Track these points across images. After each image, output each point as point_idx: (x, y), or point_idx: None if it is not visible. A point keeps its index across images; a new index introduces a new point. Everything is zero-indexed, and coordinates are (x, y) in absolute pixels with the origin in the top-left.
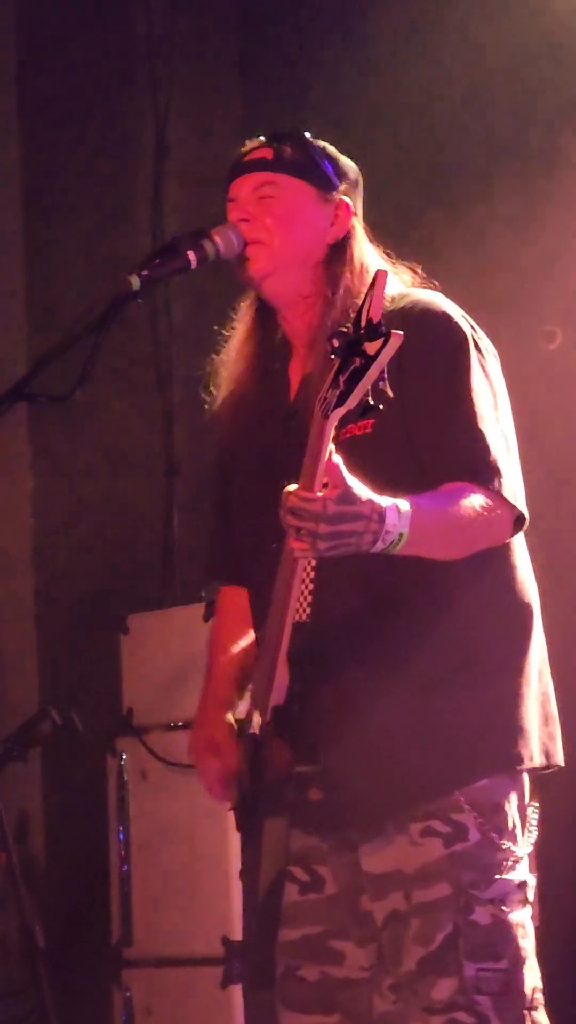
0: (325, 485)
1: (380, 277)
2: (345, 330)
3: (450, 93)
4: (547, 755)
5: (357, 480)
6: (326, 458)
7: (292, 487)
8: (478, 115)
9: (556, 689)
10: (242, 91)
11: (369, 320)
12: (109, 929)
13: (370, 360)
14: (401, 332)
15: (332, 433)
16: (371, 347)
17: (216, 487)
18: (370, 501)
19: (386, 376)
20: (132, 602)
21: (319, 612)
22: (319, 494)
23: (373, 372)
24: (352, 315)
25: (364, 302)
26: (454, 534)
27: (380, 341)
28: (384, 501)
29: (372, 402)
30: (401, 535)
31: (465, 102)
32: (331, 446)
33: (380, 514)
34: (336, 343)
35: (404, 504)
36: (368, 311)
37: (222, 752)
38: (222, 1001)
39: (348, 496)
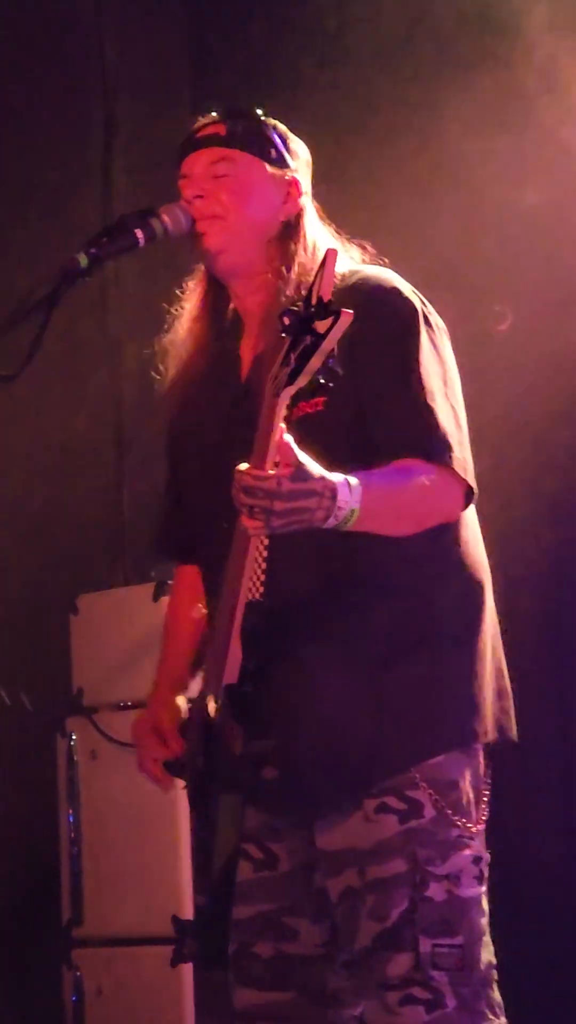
0: (276, 463)
1: (330, 255)
2: (296, 308)
3: (405, 55)
4: (501, 730)
5: (309, 457)
6: (277, 436)
7: (244, 466)
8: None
9: (507, 664)
10: (191, 66)
11: (319, 298)
12: (59, 909)
13: (320, 338)
14: (351, 311)
15: (283, 411)
16: (321, 325)
17: (167, 466)
18: (322, 478)
19: (336, 354)
20: (81, 582)
21: (272, 590)
22: (271, 472)
23: (323, 350)
24: (304, 293)
25: (315, 280)
26: (405, 509)
27: (330, 319)
28: (335, 477)
29: (323, 380)
30: (353, 511)
31: (422, 67)
32: (282, 424)
33: (332, 490)
34: (287, 321)
35: (354, 480)
36: (318, 289)
37: (166, 737)
38: (172, 980)
39: (301, 473)
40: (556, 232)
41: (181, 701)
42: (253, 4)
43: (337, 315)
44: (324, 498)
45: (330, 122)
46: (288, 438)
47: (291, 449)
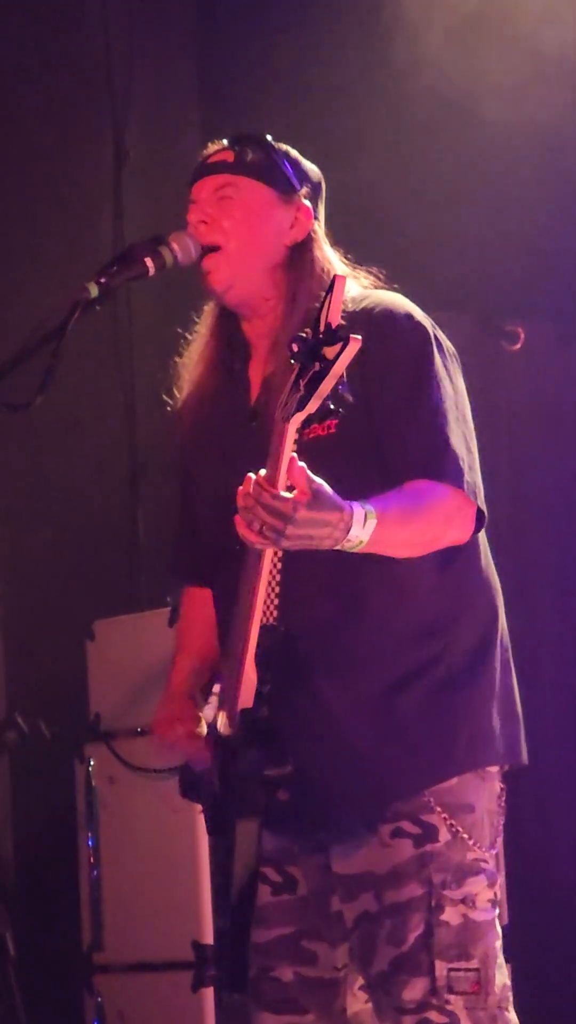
0: (289, 488)
1: (338, 282)
2: (305, 335)
3: (416, 84)
4: (512, 754)
5: (325, 485)
6: (287, 463)
7: (263, 472)
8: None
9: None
10: (200, 95)
11: (328, 324)
12: (80, 935)
13: (329, 364)
14: (359, 336)
15: (293, 437)
16: (330, 351)
17: (179, 489)
18: (339, 512)
19: (345, 380)
20: (98, 608)
21: (286, 614)
22: (288, 495)
23: (332, 377)
24: (312, 317)
25: (323, 306)
26: (416, 536)
27: (339, 345)
28: (354, 512)
29: (332, 406)
30: (360, 542)
31: (435, 95)
32: (293, 451)
33: (347, 526)
34: (296, 348)
35: (372, 513)
36: (327, 315)
37: (186, 722)
38: (193, 1005)
39: (318, 502)
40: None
41: (201, 719)
42: (263, 30)
43: (346, 341)
44: (336, 530)
45: (341, 146)
46: (301, 464)
47: (306, 476)
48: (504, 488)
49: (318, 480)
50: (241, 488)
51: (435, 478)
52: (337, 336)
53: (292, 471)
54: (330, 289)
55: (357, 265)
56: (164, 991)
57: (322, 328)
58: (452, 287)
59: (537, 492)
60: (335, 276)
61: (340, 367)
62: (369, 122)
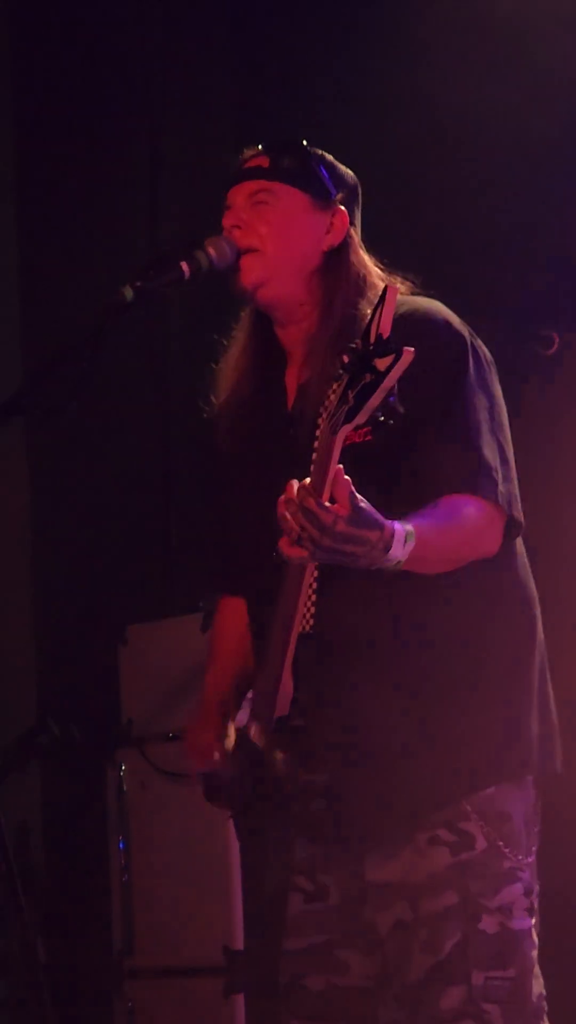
0: (332, 500)
1: (390, 293)
2: (355, 345)
3: (453, 92)
4: (548, 763)
5: (367, 503)
6: (333, 474)
7: (307, 481)
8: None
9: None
10: (237, 101)
11: (379, 335)
12: (110, 940)
13: (381, 376)
14: (412, 349)
15: (340, 448)
16: (381, 363)
17: (214, 496)
18: (380, 531)
19: (396, 392)
20: (131, 613)
21: (323, 622)
22: (330, 506)
23: (384, 388)
24: (348, 324)
25: (373, 317)
26: (449, 553)
27: (391, 357)
28: (395, 532)
29: (382, 418)
30: (399, 563)
31: (472, 104)
32: (339, 464)
33: (386, 545)
34: (346, 359)
35: (412, 535)
36: (378, 326)
37: (213, 734)
38: (224, 1011)
39: (358, 519)
40: None
41: (230, 729)
42: (299, 36)
43: (399, 353)
44: (375, 549)
45: (377, 150)
46: (346, 479)
47: (349, 491)
48: (539, 494)
49: (361, 498)
50: (283, 496)
51: (468, 492)
52: (389, 348)
53: (337, 485)
54: (381, 300)
55: (393, 271)
56: (195, 996)
57: (372, 339)
58: (485, 293)
59: (572, 498)
60: (386, 287)
61: (392, 379)
62: (406, 127)
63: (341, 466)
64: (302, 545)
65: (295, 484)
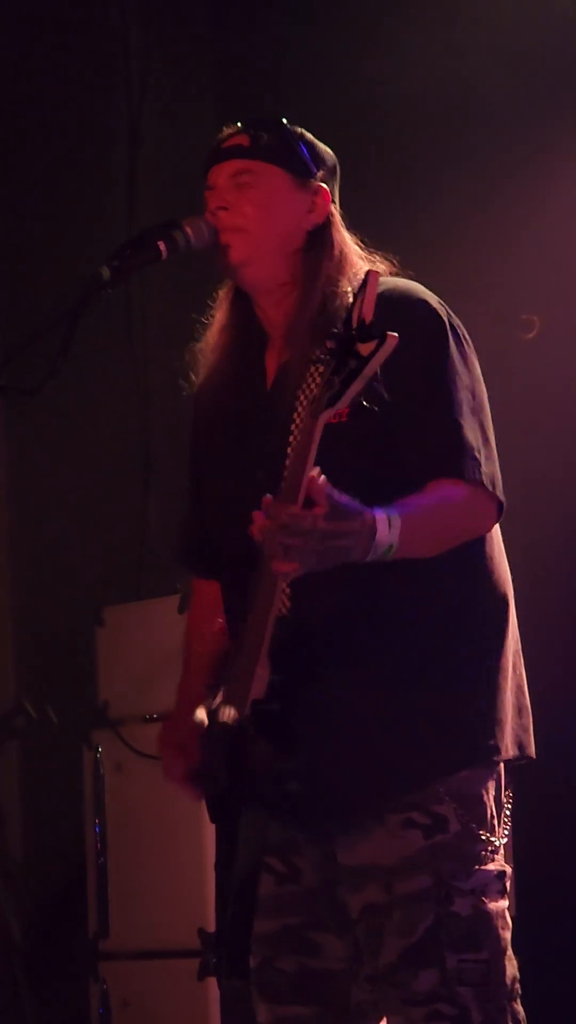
0: (308, 502)
1: (372, 277)
2: (338, 331)
3: (429, 76)
4: (521, 747)
5: (343, 496)
6: (313, 460)
7: (276, 501)
8: (461, 100)
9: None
10: (215, 79)
11: (362, 320)
12: (86, 922)
13: (364, 361)
14: (396, 334)
15: (320, 433)
16: (365, 348)
17: (189, 474)
18: (361, 518)
19: (380, 377)
20: (107, 594)
21: (299, 606)
22: (305, 511)
23: (367, 374)
24: (329, 303)
25: (355, 302)
26: (442, 534)
27: (374, 343)
28: (376, 517)
29: (365, 403)
30: (391, 546)
31: (446, 86)
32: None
33: (372, 529)
34: (331, 345)
35: (396, 516)
36: (360, 310)
37: (188, 751)
38: (199, 993)
39: (338, 512)
40: None
41: (201, 714)
42: (278, 15)
43: (382, 338)
44: (362, 537)
45: (358, 131)
46: (323, 478)
47: (321, 487)
48: (517, 476)
49: (337, 491)
50: (257, 516)
51: (453, 475)
52: (372, 332)
53: (311, 485)
54: (364, 284)
55: (373, 250)
56: (170, 979)
57: (355, 323)
58: (467, 276)
59: (550, 482)
60: (368, 271)
61: (375, 364)
62: (385, 108)
63: (317, 468)
64: (291, 559)
65: (269, 500)
